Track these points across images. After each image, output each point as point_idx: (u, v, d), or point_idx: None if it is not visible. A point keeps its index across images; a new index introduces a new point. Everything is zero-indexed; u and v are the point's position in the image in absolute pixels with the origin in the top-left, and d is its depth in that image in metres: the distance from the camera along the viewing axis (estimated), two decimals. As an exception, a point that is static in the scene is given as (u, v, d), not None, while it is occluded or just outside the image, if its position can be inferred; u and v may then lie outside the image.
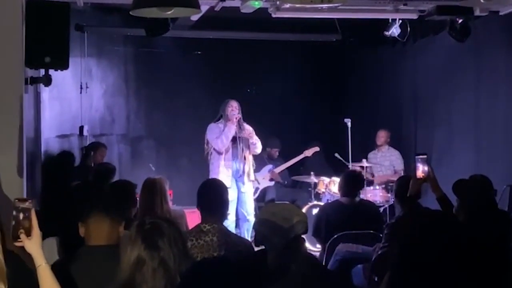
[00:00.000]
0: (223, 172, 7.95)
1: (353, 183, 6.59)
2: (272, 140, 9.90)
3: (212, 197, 4.37)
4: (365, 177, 9.41)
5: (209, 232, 4.22)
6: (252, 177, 8.28)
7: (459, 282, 2.67)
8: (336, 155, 9.40)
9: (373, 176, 9.59)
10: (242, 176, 8.10)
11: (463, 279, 2.67)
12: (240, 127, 8.02)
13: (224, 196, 4.43)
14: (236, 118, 7.93)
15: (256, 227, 3.43)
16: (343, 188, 6.59)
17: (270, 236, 3.29)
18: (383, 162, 9.65)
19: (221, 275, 3.36)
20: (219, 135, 7.96)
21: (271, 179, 9.61)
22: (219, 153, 8.01)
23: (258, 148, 8.21)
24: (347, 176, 6.74)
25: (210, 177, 7.85)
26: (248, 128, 8.12)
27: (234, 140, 8.01)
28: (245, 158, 8.09)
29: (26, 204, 2.55)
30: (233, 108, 7.99)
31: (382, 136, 9.72)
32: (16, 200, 2.55)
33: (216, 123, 8.08)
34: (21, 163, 5.59)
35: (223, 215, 4.42)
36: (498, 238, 4.49)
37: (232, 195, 7.89)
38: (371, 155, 9.77)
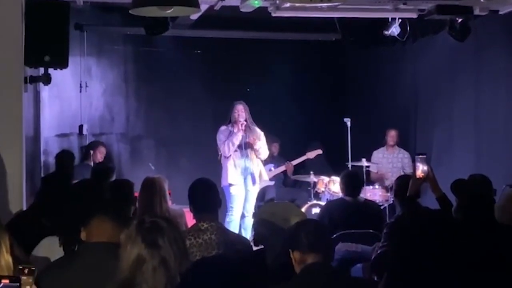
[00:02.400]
0: (231, 171, 8.14)
1: (352, 182, 6.62)
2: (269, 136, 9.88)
3: (208, 197, 4.39)
4: (371, 177, 9.46)
5: (207, 231, 4.22)
6: (265, 177, 8.54)
7: (458, 281, 2.67)
8: None
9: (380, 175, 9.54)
10: (252, 174, 8.23)
11: (461, 279, 2.68)
12: (246, 131, 8.13)
13: (217, 194, 4.50)
14: (242, 125, 8.06)
15: (255, 227, 3.44)
16: (344, 189, 6.64)
17: (269, 237, 3.29)
18: (396, 164, 9.63)
19: (221, 275, 3.37)
20: (226, 140, 8.11)
21: (271, 178, 9.61)
22: (226, 156, 8.18)
23: (262, 154, 8.35)
24: (345, 177, 6.76)
25: (223, 176, 8.16)
26: (257, 132, 8.23)
27: (240, 146, 8.17)
28: (252, 158, 8.25)
29: (31, 269, 2.62)
30: (239, 113, 8.12)
31: (394, 136, 9.66)
32: (21, 267, 2.62)
33: (226, 126, 8.22)
34: (20, 162, 5.60)
35: (217, 213, 4.48)
36: (497, 238, 4.49)
37: (239, 192, 8.17)
38: (377, 154, 9.72)
